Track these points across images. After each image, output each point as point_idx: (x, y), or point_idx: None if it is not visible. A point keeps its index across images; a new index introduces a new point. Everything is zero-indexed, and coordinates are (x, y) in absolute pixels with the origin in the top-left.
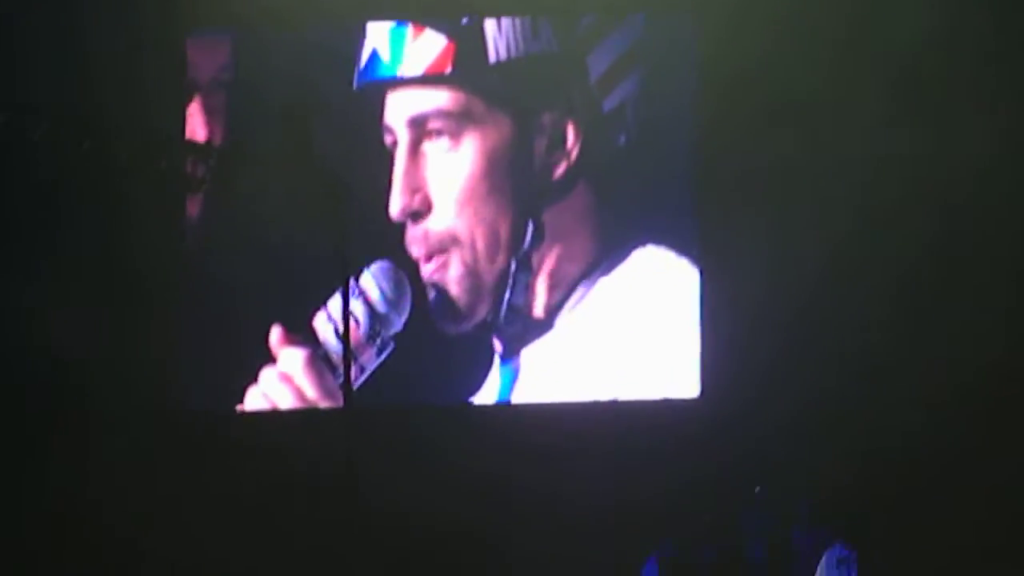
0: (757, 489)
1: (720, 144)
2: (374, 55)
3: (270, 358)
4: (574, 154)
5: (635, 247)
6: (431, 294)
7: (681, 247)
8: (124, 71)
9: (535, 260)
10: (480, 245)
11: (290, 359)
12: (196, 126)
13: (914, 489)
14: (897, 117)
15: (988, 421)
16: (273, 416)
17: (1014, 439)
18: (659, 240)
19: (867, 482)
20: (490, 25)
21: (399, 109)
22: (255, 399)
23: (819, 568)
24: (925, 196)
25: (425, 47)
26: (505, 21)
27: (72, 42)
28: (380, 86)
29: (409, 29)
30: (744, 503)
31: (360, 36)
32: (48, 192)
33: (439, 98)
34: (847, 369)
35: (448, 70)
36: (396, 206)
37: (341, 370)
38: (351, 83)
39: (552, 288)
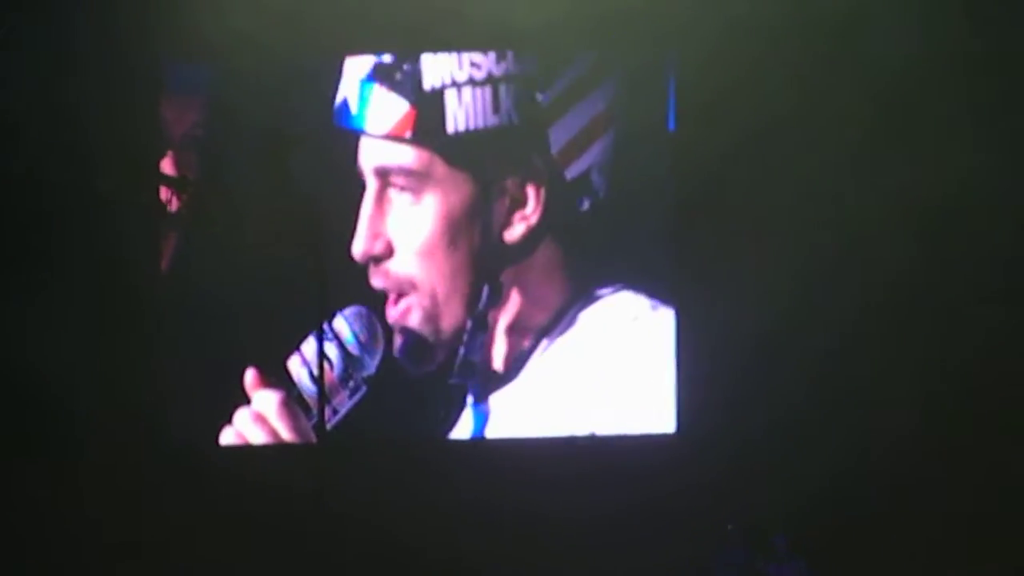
0: (729, 527)
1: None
2: (344, 104)
3: (244, 399)
4: (535, 218)
5: (606, 292)
6: (395, 336)
7: (654, 291)
8: (103, 103)
9: (491, 319)
10: (439, 295)
11: (264, 400)
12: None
13: (888, 522)
14: (870, 160)
15: (963, 453)
16: (251, 450)
17: (987, 469)
18: (631, 285)
19: (842, 517)
20: (451, 95)
21: (368, 157)
22: (229, 439)
23: None
24: (898, 233)
25: (388, 108)
26: (466, 91)
27: (52, 73)
28: (351, 134)
29: (375, 88)
30: (719, 539)
31: (337, 77)
32: (24, 227)
33: (403, 154)
34: (824, 406)
35: (408, 134)
36: (359, 248)
37: (315, 411)
38: (330, 119)
39: (515, 341)
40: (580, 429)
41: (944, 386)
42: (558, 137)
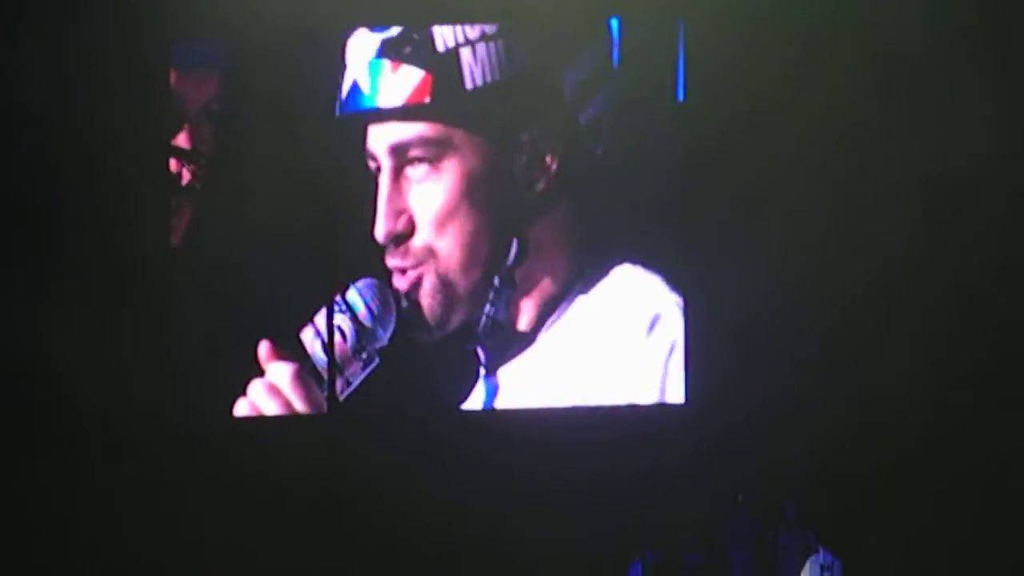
0: (740, 497)
1: (700, 156)
2: (355, 86)
3: (258, 370)
4: (554, 168)
5: (614, 265)
6: (405, 305)
7: (660, 265)
8: (112, 79)
9: (519, 277)
10: (461, 260)
11: (278, 372)
12: (182, 163)
13: (900, 493)
14: (886, 129)
15: (975, 423)
16: (266, 422)
17: (1001, 441)
18: (637, 259)
19: (852, 487)
20: (466, 53)
21: (380, 137)
22: (243, 410)
23: (802, 574)
24: (904, 209)
25: (403, 80)
26: (480, 47)
27: (59, 48)
28: (361, 116)
29: (386, 64)
30: (729, 508)
31: (341, 67)
32: (35, 203)
33: (418, 127)
34: (833, 376)
35: (427, 99)
36: (381, 229)
37: (331, 384)
38: (333, 111)
39: (535, 304)
40: (589, 400)
41: (950, 360)
42: (572, 77)
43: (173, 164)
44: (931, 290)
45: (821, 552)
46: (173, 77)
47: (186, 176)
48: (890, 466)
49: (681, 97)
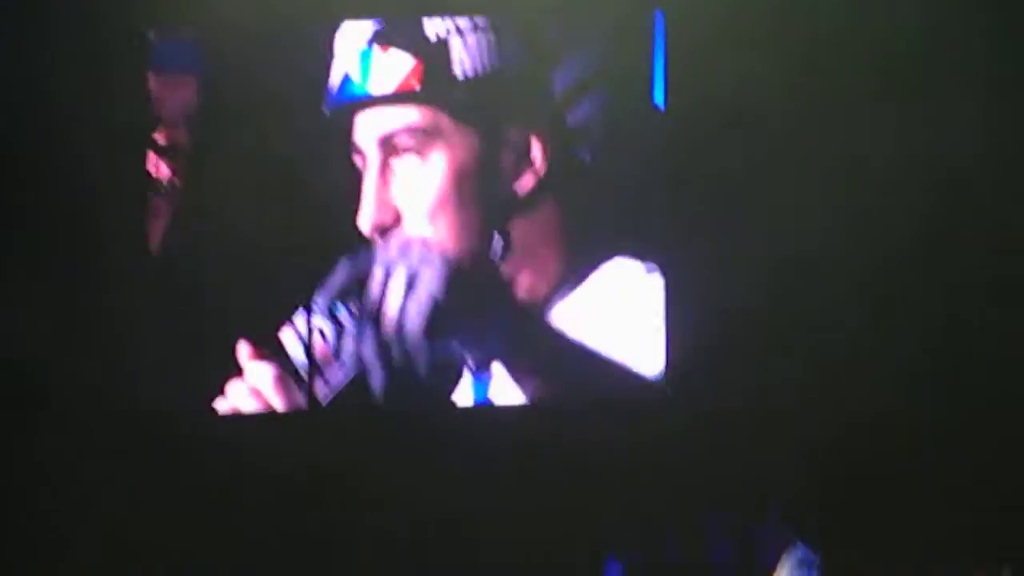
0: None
1: (683, 156)
2: (346, 78)
3: (238, 371)
4: (541, 168)
5: (601, 262)
6: (406, 306)
7: (646, 257)
8: (86, 70)
9: (507, 270)
10: (455, 254)
11: (259, 373)
12: (161, 158)
13: (881, 488)
14: (867, 119)
15: (959, 419)
16: (245, 420)
17: (984, 438)
18: (625, 251)
19: (835, 482)
20: (456, 43)
21: (369, 129)
22: (222, 410)
23: (781, 569)
24: (894, 199)
25: (393, 66)
26: (471, 38)
27: (32, 40)
28: (351, 107)
29: (376, 49)
30: (708, 503)
31: (328, 59)
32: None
33: (408, 115)
34: (812, 367)
35: (417, 87)
36: (367, 222)
37: (308, 384)
38: (319, 105)
39: (525, 299)
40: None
41: (944, 348)
42: (560, 80)
43: (151, 161)
44: (922, 283)
45: (800, 547)
46: (151, 80)
47: (164, 173)
48: (875, 462)
49: (658, 102)
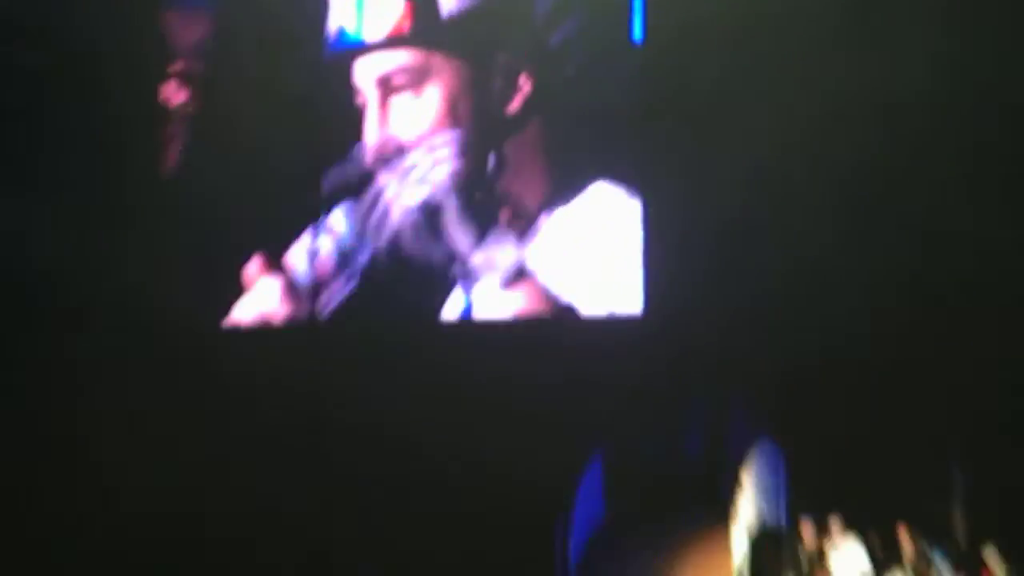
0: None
1: (658, 77)
2: (340, 29)
3: (247, 286)
4: (527, 88)
5: (585, 184)
6: (406, 224)
7: (625, 181)
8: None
9: (499, 191)
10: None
11: (266, 287)
12: (176, 87)
13: (841, 387)
14: (835, 49)
15: (919, 324)
16: (252, 333)
17: (944, 341)
18: (606, 175)
19: (796, 382)
20: None
21: (366, 71)
22: (232, 322)
23: (749, 461)
24: (862, 125)
25: (384, 11)
26: None
27: None
28: (348, 55)
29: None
30: (682, 405)
31: (324, 11)
32: (36, 117)
33: (401, 57)
34: (775, 283)
35: (407, 31)
36: (370, 151)
37: (312, 297)
38: (320, 50)
39: (510, 219)
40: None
41: (911, 265)
42: (541, 6)
43: (168, 90)
44: (884, 196)
45: (766, 442)
46: (168, 16)
47: (179, 100)
48: (838, 367)
49: (636, 37)
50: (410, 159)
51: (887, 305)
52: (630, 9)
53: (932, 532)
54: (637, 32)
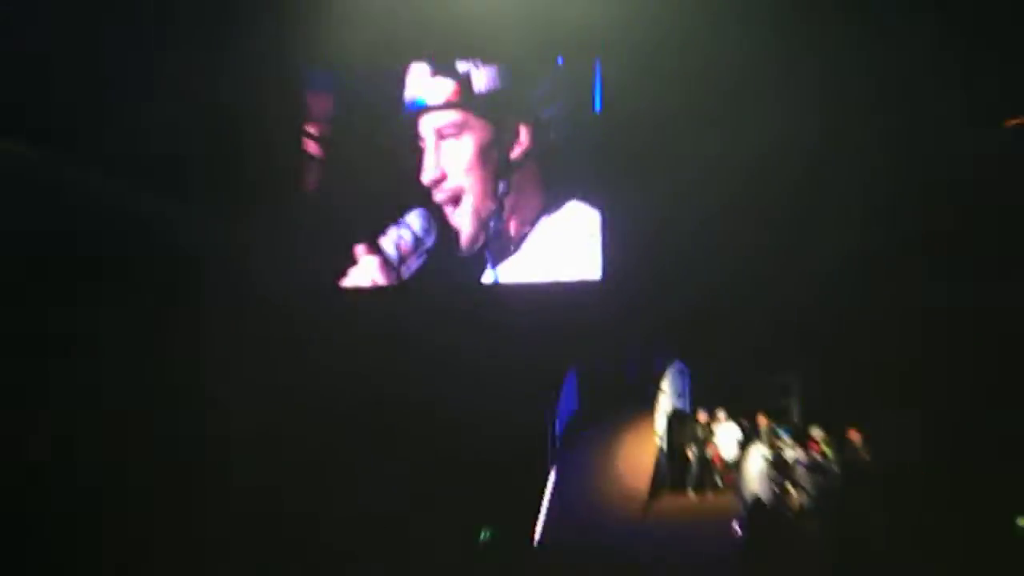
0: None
1: (612, 135)
2: (414, 97)
3: (356, 261)
4: (527, 142)
5: (564, 203)
6: (450, 227)
7: (589, 200)
8: (269, 87)
9: (508, 204)
10: (478, 194)
11: (368, 262)
12: (312, 140)
13: (727, 326)
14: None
15: (778, 279)
16: (360, 292)
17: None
18: (578, 197)
19: (698, 324)
20: (476, 74)
21: (427, 124)
22: (346, 284)
23: (666, 375)
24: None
25: (440, 87)
26: (484, 70)
27: (230, 68)
28: (416, 114)
29: (433, 79)
30: (627, 346)
31: (402, 83)
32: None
33: (449, 116)
34: (688, 259)
35: (455, 100)
36: (426, 177)
37: (397, 269)
38: (399, 113)
39: (519, 223)
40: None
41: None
42: (538, 94)
43: (307, 143)
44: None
45: (677, 362)
46: (305, 94)
47: (313, 150)
48: (723, 313)
49: (598, 109)
50: (452, 183)
51: (760, 271)
52: (594, 91)
53: (779, 417)
54: (597, 105)
